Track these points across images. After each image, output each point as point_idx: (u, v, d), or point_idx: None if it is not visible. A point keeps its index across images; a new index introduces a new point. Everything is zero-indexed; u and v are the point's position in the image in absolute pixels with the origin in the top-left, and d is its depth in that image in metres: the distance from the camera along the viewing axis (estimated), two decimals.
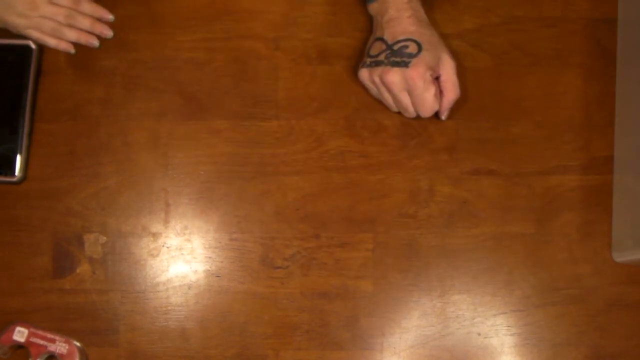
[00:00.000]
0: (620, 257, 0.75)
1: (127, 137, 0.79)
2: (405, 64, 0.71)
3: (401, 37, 0.72)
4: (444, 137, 0.78)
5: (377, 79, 0.73)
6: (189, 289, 0.77)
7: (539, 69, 0.79)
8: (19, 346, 0.75)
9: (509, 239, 0.76)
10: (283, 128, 0.79)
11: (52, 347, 0.74)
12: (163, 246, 0.78)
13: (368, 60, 0.74)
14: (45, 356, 0.74)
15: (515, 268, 0.76)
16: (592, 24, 0.80)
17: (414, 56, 0.71)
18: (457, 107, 0.78)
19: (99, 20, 0.80)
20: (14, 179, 0.78)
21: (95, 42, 0.79)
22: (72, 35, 0.79)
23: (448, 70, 0.73)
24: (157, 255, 0.77)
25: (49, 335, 0.74)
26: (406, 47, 0.71)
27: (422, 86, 0.72)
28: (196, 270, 0.77)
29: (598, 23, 0.80)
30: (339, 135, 0.78)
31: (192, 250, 0.77)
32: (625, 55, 0.77)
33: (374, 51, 0.74)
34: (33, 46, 0.79)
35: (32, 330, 0.74)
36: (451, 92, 0.74)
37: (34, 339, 0.74)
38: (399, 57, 0.71)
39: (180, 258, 0.77)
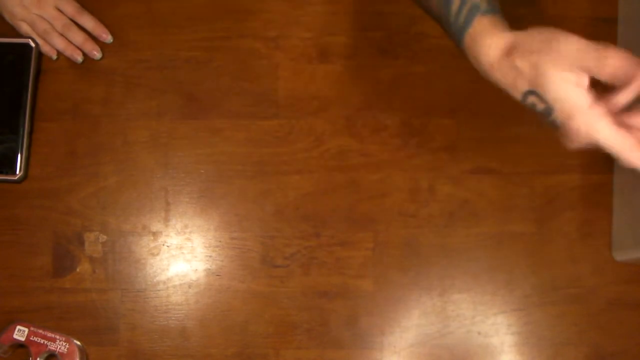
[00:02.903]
0: (620, 256, 0.75)
1: (127, 136, 0.79)
2: (559, 126, 0.51)
3: (518, 96, 0.53)
4: (444, 136, 0.78)
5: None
6: (190, 287, 0.77)
7: None
8: (20, 345, 0.75)
9: (510, 238, 0.76)
10: (283, 127, 0.79)
11: (52, 346, 0.74)
12: (163, 245, 0.78)
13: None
14: (46, 355, 0.74)
15: (515, 267, 0.76)
16: (592, 23, 0.80)
17: (551, 111, 0.50)
18: (457, 106, 0.78)
19: (97, 37, 0.80)
20: (15, 178, 0.78)
21: (79, 59, 0.80)
22: (60, 44, 0.79)
23: (579, 55, 0.48)
24: (158, 254, 0.77)
25: (49, 334, 0.74)
26: (534, 105, 0.52)
27: (590, 132, 0.49)
28: (196, 269, 0.77)
29: (598, 22, 0.80)
30: (339, 134, 0.78)
31: (192, 249, 0.77)
32: None
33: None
34: (33, 45, 0.79)
35: (32, 329, 0.74)
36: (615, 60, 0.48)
37: (34, 338, 0.74)
38: (546, 119, 0.52)
39: (181, 257, 0.77)
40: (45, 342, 0.74)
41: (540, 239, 0.76)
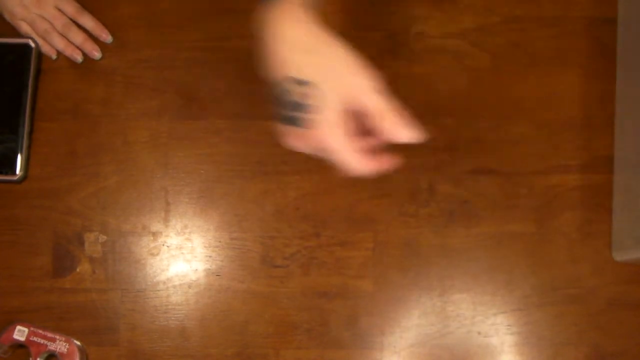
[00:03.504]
0: (620, 257, 0.75)
1: (127, 136, 0.79)
2: (301, 124, 0.52)
3: (275, 77, 0.53)
4: (445, 136, 0.78)
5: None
6: (189, 288, 0.77)
7: (539, 68, 0.79)
8: (20, 345, 0.75)
9: (509, 239, 0.76)
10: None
11: (52, 346, 0.74)
12: (163, 245, 0.78)
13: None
14: (46, 355, 0.74)
15: (515, 267, 0.76)
16: (593, 23, 0.80)
17: (307, 109, 0.51)
18: (457, 106, 0.78)
19: (97, 37, 0.80)
20: (15, 178, 0.78)
21: (78, 58, 0.80)
22: (60, 44, 0.79)
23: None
24: (157, 254, 0.77)
25: (49, 335, 0.74)
26: (288, 93, 0.52)
27: (335, 146, 0.52)
28: (196, 269, 0.77)
29: (598, 22, 0.80)
30: None
31: (192, 249, 0.77)
32: (625, 54, 0.77)
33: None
34: (33, 45, 0.79)
35: (32, 329, 0.74)
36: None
37: (34, 338, 0.74)
38: (287, 111, 0.52)
39: (181, 257, 0.77)
40: (45, 342, 0.74)
41: (540, 239, 0.76)
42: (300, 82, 0.51)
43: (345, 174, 0.53)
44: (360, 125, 0.52)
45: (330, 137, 0.51)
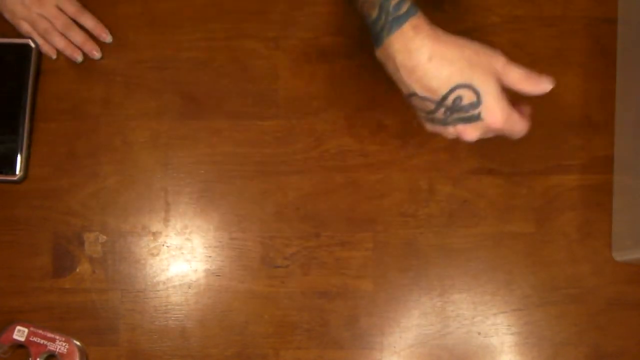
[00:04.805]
0: (620, 257, 0.75)
1: (127, 136, 0.79)
2: (477, 118, 0.58)
3: (443, 92, 0.57)
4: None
5: (452, 132, 0.61)
6: (189, 288, 0.77)
7: (539, 68, 0.78)
8: (19, 345, 0.75)
9: (509, 239, 0.76)
10: (283, 127, 0.79)
11: (52, 347, 0.74)
12: (163, 245, 0.78)
13: (422, 114, 0.61)
14: (45, 355, 0.74)
15: (515, 267, 0.76)
16: (592, 23, 0.80)
17: (478, 104, 0.57)
18: None
19: (97, 37, 0.80)
20: (15, 178, 0.78)
21: (78, 58, 0.80)
22: (60, 43, 0.79)
23: (506, 71, 0.59)
24: (157, 254, 0.77)
25: (49, 335, 0.74)
26: (460, 99, 0.57)
27: (506, 121, 0.59)
28: (196, 270, 0.77)
29: (598, 22, 0.80)
30: (339, 134, 0.78)
31: (192, 249, 0.77)
32: (625, 54, 0.77)
33: (421, 109, 0.60)
34: (33, 45, 0.79)
35: (32, 329, 0.74)
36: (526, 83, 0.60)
37: (34, 338, 0.74)
38: (462, 113, 0.58)
39: (180, 257, 0.77)
40: (45, 342, 0.74)
41: (540, 239, 0.76)
42: (460, 86, 0.57)
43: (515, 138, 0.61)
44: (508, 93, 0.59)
45: (499, 117, 0.58)
